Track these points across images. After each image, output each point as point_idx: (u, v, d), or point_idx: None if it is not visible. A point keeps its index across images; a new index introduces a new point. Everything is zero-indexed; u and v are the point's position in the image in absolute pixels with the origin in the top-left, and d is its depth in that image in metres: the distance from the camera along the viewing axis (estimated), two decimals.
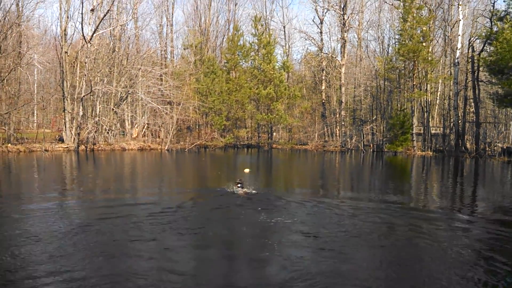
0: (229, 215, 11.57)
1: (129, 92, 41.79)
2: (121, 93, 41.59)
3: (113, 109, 41.05)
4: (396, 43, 43.63)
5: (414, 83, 41.02)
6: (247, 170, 21.00)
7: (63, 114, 38.73)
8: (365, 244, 8.68)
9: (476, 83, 37.31)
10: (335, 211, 11.76)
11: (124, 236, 8.95)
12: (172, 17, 64.25)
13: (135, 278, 6.47)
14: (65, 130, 37.69)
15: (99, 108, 41.10)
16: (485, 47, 36.68)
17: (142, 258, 7.44)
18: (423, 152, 39.64)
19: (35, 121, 50.51)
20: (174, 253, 7.92)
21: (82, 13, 38.05)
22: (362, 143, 44.03)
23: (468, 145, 39.77)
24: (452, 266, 7.26)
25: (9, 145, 33.37)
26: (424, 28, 40.10)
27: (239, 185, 14.75)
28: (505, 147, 38.14)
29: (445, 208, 13.28)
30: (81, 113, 37.98)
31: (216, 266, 7.27)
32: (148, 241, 8.61)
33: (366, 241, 8.91)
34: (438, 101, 51.56)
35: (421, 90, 41.26)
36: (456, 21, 40.84)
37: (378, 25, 52.32)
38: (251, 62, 49.71)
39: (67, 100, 37.85)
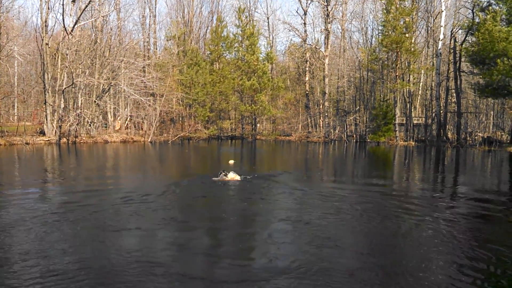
0: (213, 203, 11.56)
1: (112, 84, 41.35)
2: (103, 85, 41.14)
3: (95, 101, 40.61)
4: (379, 34, 43.83)
5: (397, 73, 41.32)
6: (231, 162, 21.02)
7: (44, 106, 38.17)
8: (351, 230, 8.73)
9: (458, 73, 37.66)
10: (320, 199, 11.80)
11: (105, 225, 8.86)
12: (155, 8, 63.94)
13: (116, 269, 6.36)
14: (46, 123, 37.17)
15: (81, 100, 40.57)
16: (467, 38, 37.04)
17: (123, 248, 7.35)
18: (406, 142, 40.01)
19: (16, 114, 49.80)
20: (157, 243, 7.83)
21: (63, 4, 37.41)
22: (345, 133, 44.30)
23: (449, 135, 40.26)
24: (437, 248, 7.32)
25: None
26: (407, 19, 40.32)
27: (224, 172, 14.91)
28: (485, 137, 38.72)
29: (428, 193, 13.47)
30: (62, 106, 37.49)
31: (200, 257, 7.19)
32: (130, 231, 8.52)
33: (352, 227, 8.96)
34: (420, 91, 52.03)
35: (403, 80, 41.56)
36: (439, 12, 41.17)
37: (362, 16, 52.44)
38: (234, 54, 49.48)
39: (48, 92, 37.29)
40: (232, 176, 14.89)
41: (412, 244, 7.83)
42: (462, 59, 37.65)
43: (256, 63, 46.24)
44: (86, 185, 14.81)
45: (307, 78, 54.32)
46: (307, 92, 53.95)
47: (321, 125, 50.01)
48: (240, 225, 9.37)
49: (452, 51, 38.87)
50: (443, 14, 39.26)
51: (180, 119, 48.39)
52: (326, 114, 49.27)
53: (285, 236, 8.20)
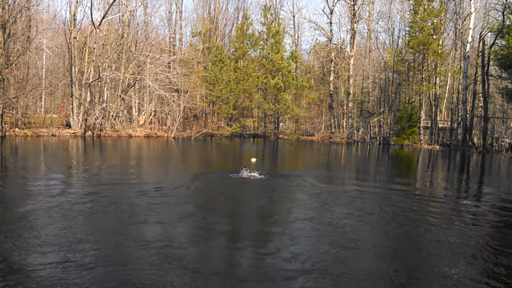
0: (233, 200, 11.59)
1: (137, 79, 41.76)
2: (128, 79, 41.57)
3: (120, 96, 41.06)
4: (406, 35, 43.29)
5: (423, 76, 40.77)
6: (253, 160, 21.01)
7: (70, 99, 38.83)
8: (373, 232, 8.61)
9: (485, 77, 36.95)
10: (342, 199, 11.71)
11: (125, 218, 8.97)
12: (182, 4, 64.20)
13: (135, 262, 6.39)
14: (72, 115, 37.82)
15: (107, 94, 41.10)
16: (496, 41, 36.26)
17: (142, 241, 7.39)
18: (430, 146, 39.46)
19: (43, 106, 50.71)
20: (176, 237, 7.87)
21: None
22: (368, 135, 43.90)
23: (475, 140, 39.53)
24: (461, 253, 7.20)
25: (17, 129, 33.53)
26: (435, 21, 39.75)
27: (245, 168, 15.01)
28: None
29: (452, 197, 13.27)
30: (88, 99, 38.06)
31: (219, 253, 7.20)
32: (149, 224, 8.61)
33: (374, 229, 8.85)
34: (446, 94, 51.21)
35: (430, 83, 40.98)
36: (468, 14, 40.37)
37: (389, 16, 51.90)
38: (259, 51, 49.39)
39: (75, 85, 37.91)
40: (253, 173, 14.96)
41: (435, 248, 7.70)
42: (491, 63, 36.92)
43: (280, 61, 46.13)
44: (108, 177, 14.99)
45: (331, 78, 54.00)
46: (331, 92, 53.64)
47: (344, 126, 49.69)
48: (260, 223, 9.36)
49: (480, 54, 38.16)
50: (472, 16, 38.51)
51: (204, 115, 48.62)
52: (350, 115, 48.90)
53: (306, 236, 8.15)
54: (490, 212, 11.17)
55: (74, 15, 38.49)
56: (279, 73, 46.30)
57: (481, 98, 38.97)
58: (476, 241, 8.15)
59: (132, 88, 43.12)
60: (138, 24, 47.41)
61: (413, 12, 40.38)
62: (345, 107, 50.76)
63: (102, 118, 38.17)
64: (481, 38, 39.28)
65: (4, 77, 33.34)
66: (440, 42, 42.28)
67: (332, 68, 54.12)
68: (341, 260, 6.82)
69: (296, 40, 60.38)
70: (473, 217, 10.34)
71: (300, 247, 7.43)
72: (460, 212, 10.77)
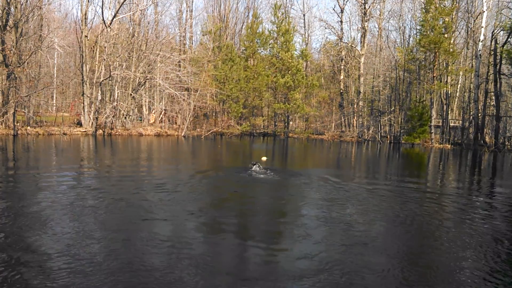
0: (243, 198, 11.55)
1: (147, 77, 41.91)
2: (139, 78, 41.74)
3: (131, 94, 41.24)
4: (417, 34, 43.07)
5: (434, 74, 40.48)
6: (264, 158, 20.98)
7: (81, 98, 39.07)
8: (384, 230, 8.58)
9: (498, 76, 36.62)
10: (353, 197, 11.63)
11: (134, 214, 8.98)
12: (192, 2, 64.12)
13: (144, 258, 6.41)
14: (84, 114, 38.04)
15: (117, 93, 41.33)
16: (508, 40, 35.94)
17: (151, 238, 7.40)
18: (441, 145, 39.21)
19: (54, 104, 51.06)
20: (185, 235, 7.87)
21: None
22: (379, 134, 43.71)
23: (487, 139, 39.20)
24: (473, 251, 7.14)
25: (28, 127, 33.79)
26: (447, 19, 39.46)
27: (256, 163, 15.10)
28: None
29: (463, 195, 13.14)
30: (99, 98, 38.26)
31: (229, 251, 7.16)
32: (158, 221, 8.64)
33: (385, 227, 8.81)
34: (458, 93, 50.85)
35: (441, 82, 40.71)
36: (480, 13, 40.05)
37: (400, 15, 51.68)
38: (269, 50, 49.43)
39: (86, 84, 38.12)
40: (264, 170, 15.05)
41: (447, 245, 7.64)
42: (503, 61, 36.61)
43: (290, 60, 46.06)
44: (119, 174, 15.07)
45: (341, 77, 53.85)
46: (341, 90, 53.50)
47: (354, 125, 49.52)
48: (271, 221, 9.33)
49: (492, 53, 37.81)
50: (485, 14, 38.14)
51: (214, 114, 48.70)
52: (360, 113, 48.74)
53: (316, 234, 8.11)
54: (503, 209, 11.09)
55: (86, 14, 38.71)
56: (289, 71, 46.25)
57: (493, 97, 38.63)
58: (488, 238, 8.08)
59: (143, 86, 43.30)
60: (148, 23, 47.66)
61: (424, 10, 40.15)
62: (355, 105, 50.61)
63: (113, 116, 38.36)
64: (493, 36, 38.94)
65: (16, 75, 33.61)
66: (452, 41, 41.97)
67: (342, 67, 53.98)
68: (353, 258, 6.79)
69: (306, 39, 60.35)
70: (485, 214, 10.27)
71: (311, 244, 7.41)
72: (473, 210, 10.70)
